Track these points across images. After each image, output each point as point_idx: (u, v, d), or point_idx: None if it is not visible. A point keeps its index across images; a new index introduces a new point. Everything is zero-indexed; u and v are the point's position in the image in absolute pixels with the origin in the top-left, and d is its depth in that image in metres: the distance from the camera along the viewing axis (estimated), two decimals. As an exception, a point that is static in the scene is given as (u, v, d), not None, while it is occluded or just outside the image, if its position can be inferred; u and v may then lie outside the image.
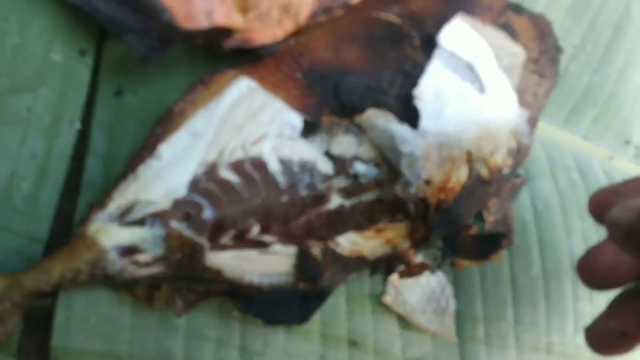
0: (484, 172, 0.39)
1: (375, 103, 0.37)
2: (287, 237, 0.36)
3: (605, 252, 0.31)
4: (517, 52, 0.41)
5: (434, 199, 0.37)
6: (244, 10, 0.36)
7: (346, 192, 0.37)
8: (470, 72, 0.39)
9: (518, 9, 0.43)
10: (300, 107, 0.36)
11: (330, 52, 0.38)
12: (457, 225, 0.39)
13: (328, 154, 0.37)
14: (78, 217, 0.36)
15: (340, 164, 0.37)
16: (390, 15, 0.39)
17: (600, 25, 0.54)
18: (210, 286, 0.35)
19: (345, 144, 0.38)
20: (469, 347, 0.42)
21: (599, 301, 0.46)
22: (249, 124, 0.36)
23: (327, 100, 0.37)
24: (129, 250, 0.33)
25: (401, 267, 0.40)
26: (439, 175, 0.37)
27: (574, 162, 0.50)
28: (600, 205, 0.32)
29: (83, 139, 0.37)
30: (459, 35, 0.39)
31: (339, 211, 0.37)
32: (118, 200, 0.33)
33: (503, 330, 0.43)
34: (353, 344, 0.39)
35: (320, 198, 0.37)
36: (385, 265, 0.40)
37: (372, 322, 0.40)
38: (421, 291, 0.41)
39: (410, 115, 0.37)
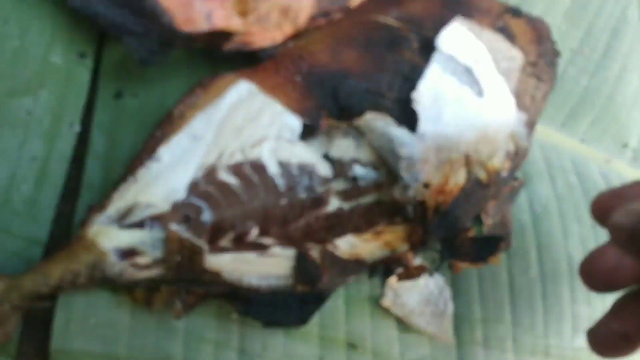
0: (482, 175, 0.39)
1: (374, 106, 0.37)
2: (285, 240, 0.36)
3: (607, 254, 0.31)
4: (515, 56, 0.41)
5: (432, 201, 0.38)
6: (243, 13, 0.36)
7: (345, 195, 0.38)
8: (468, 75, 0.39)
9: (516, 13, 0.43)
10: (299, 110, 0.36)
11: (329, 55, 0.38)
12: (455, 228, 0.39)
13: (327, 157, 0.38)
14: (77, 219, 0.36)
15: (339, 166, 0.38)
16: (389, 19, 0.40)
17: (597, 30, 0.54)
18: (209, 288, 0.35)
19: (344, 147, 0.38)
20: (467, 350, 0.42)
21: (597, 304, 0.46)
22: (248, 127, 0.36)
23: (326, 103, 0.37)
24: (128, 253, 0.33)
25: (399, 270, 0.40)
26: (437, 178, 0.38)
27: (572, 165, 0.50)
28: (603, 208, 0.32)
29: (83, 141, 0.37)
30: (457, 38, 0.39)
31: (338, 214, 0.37)
32: (117, 203, 0.33)
33: (501, 332, 0.43)
34: (351, 346, 0.39)
35: (319, 201, 0.37)
36: (384, 267, 0.40)
37: (370, 324, 0.40)
38: (419, 294, 0.41)
39: (408, 119, 0.37)
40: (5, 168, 0.35)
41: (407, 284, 0.41)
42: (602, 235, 0.48)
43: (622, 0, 0.55)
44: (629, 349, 0.31)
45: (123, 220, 0.33)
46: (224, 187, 0.35)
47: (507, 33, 0.42)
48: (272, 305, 0.36)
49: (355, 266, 0.38)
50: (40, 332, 0.35)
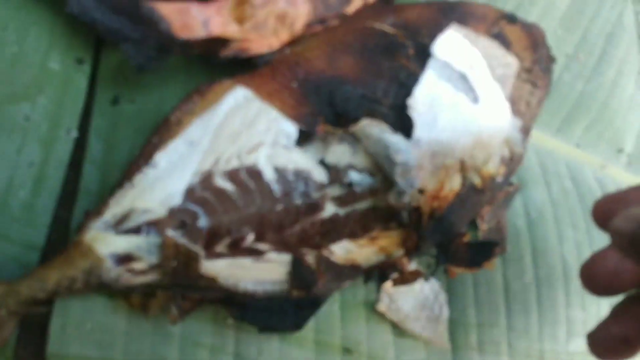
0: (477, 180, 0.39)
1: (370, 112, 0.37)
2: (281, 245, 0.36)
3: (608, 258, 0.31)
4: (510, 62, 0.41)
5: (427, 207, 0.38)
6: (240, 20, 0.36)
7: (340, 201, 0.38)
8: (463, 82, 0.39)
9: (512, 19, 0.44)
10: (295, 116, 0.37)
11: (325, 62, 0.38)
12: (450, 233, 0.39)
13: (323, 163, 0.38)
14: (74, 224, 0.36)
15: (335, 172, 0.38)
16: (385, 26, 0.40)
17: (593, 35, 0.54)
18: (205, 294, 0.35)
19: (339, 153, 0.38)
20: (462, 354, 0.43)
21: (591, 308, 0.47)
22: (244, 133, 0.36)
23: (322, 110, 0.37)
24: (124, 258, 0.33)
25: (395, 275, 0.41)
26: (433, 184, 0.38)
27: (567, 170, 0.51)
28: (604, 213, 0.32)
29: (80, 146, 0.38)
30: (452, 45, 0.39)
31: (333, 220, 0.37)
32: (114, 209, 0.34)
33: (496, 337, 0.44)
34: (347, 351, 0.40)
35: (315, 207, 0.37)
36: (379, 273, 0.41)
37: (365, 329, 0.41)
38: (415, 298, 0.42)
39: (404, 125, 0.37)
40: (2, 173, 0.35)
41: (403, 288, 0.41)
42: (597, 240, 0.48)
43: (617, 5, 0.56)
44: (629, 352, 0.31)
45: (119, 225, 0.34)
46: (220, 192, 0.35)
47: (502, 39, 0.42)
48: (268, 311, 0.36)
49: (350, 271, 0.38)
50: (37, 337, 0.35)
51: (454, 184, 0.39)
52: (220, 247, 0.35)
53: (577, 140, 0.53)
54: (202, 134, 0.35)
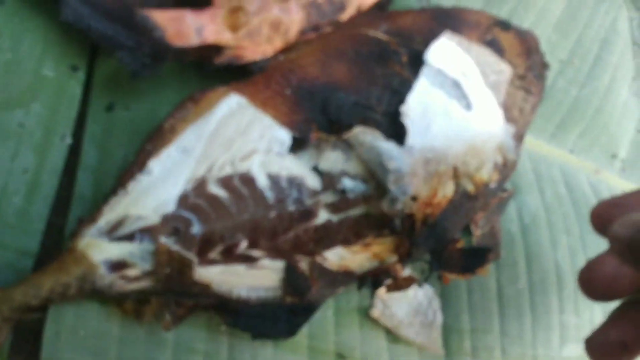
0: (469, 187, 0.39)
1: (363, 119, 0.37)
2: (275, 252, 0.36)
3: (606, 263, 0.31)
4: (503, 69, 0.41)
5: (420, 214, 0.38)
6: (234, 27, 0.36)
7: (334, 208, 0.38)
8: (456, 89, 0.39)
9: (505, 26, 0.44)
10: (289, 123, 0.37)
11: (319, 69, 0.38)
12: (443, 239, 0.40)
13: (316, 170, 0.38)
14: (68, 230, 0.36)
15: (328, 179, 0.38)
16: (379, 33, 0.40)
17: (587, 41, 0.54)
18: (198, 300, 0.35)
19: (333, 160, 0.38)
20: (456, 360, 0.43)
21: (585, 314, 0.47)
22: (238, 140, 0.36)
23: (316, 117, 0.37)
24: (118, 265, 0.33)
25: (389, 281, 0.41)
26: (426, 191, 0.38)
27: (561, 176, 0.51)
28: (602, 218, 0.32)
29: (74, 153, 0.38)
30: (445, 53, 0.39)
31: (327, 226, 0.38)
32: (108, 216, 0.34)
33: (489, 343, 0.44)
34: (340, 357, 0.40)
35: (308, 213, 0.37)
36: (373, 279, 0.41)
37: (359, 335, 0.41)
38: (408, 304, 0.42)
39: (397, 132, 0.38)
40: (-4, 180, 0.35)
41: (397, 294, 0.41)
42: (590, 246, 0.49)
43: (611, 11, 0.56)
44: (626, 357, 0.31)
45: (113, 232, 0.34)
46: (213, 199, 0.35)
47: (495, 46, 0.42)
48: (261, 317, 0.36)
49: (344, 278, 0.38)
50: (31, 343, 0.35)
51: (447, 190, 0.39)
52: (214, 254, 0.35)
53: (571, 145, 0.53)
54: (196, 141, 0.35)
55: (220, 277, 0.35)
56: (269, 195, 0.36)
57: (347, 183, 0.38)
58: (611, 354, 0.32)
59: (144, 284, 0.34)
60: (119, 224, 0.34)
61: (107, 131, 0.38)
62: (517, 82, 0.43)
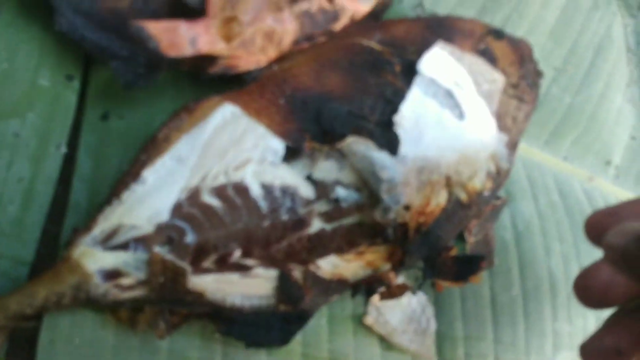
0: (462, 196, 0.40)
1: (356, 129, 0.38)
2: (268, 261, 0.36)
3: (601, 271, 0.31)
4: (496, 78, 0.42)
5: (414, 222, 0.38)
6: (228, 38, 0.36)
7: (327, 216, 0.38)
8: (449, 98, 0.40)
9: (498, 34, 0.44)
10: (282, 133, 0.37)
11: (312, 79, 0.38)
12: (437, 247, 0.40)
13: (310, 179, 0.38)
14: (63, 239, 0.36)
15: (322, 188, 0.38)
16: (372, 42, 0.40)
17: (581, 48, 0.55)
18: (192, 309, 0.36)
19: (326, 169, 0.38)
20: (449, 367, 0.43)
21: (578, 321, 0.47)
22: (232, 150, 0.36)
23: (309, 126, 0.37)
24: (112, 274, 0.34)
25: (382, 289, 0.41)
26: (419, 200, 0.38)
27: (555, 183, 0.51)
28: (596, 228, 0.32)
29: (69, 162, 0.38)
30: (438, 63, 0.40)
31: (320, 235, 0.38)
32: (102, 225, 0.34)
33: (483, 350, 0.44)
34: (334, 364, 0.40)
35: (301, 222, 0.37)
36: (367, 287, 0.41)
37: (353, 342, 0.41)
38: (402, 312, 0.42)
39: (390, 141, 0.38)
40: (-8, 189, 0.36)
41: (390, 302, 0.42)
42: (584, 253, 0.49)
43: (606, 18, 0.56)
44: None
45: (107, 241, 0.34)
46: (207, 209, 0.35)
47: (488, 55, 0.42)
48: (255, 325, 0.36)
49: (337, 286, 0.38)
50: (26, 351, 0.35)
51: (440, 199, 0.39)
52: (208, 263, 0.35)
53: (565, 152, 0.53)
54: (190, 151, 0.36)
55: (214, 285, 0.35)
56: (263, 204, 0.36)
57: (341, 192, 0.38)
58: None
59: (138, 292, 0.34)
60: (113, 233, 0.34)
61: (102, 140, 0.38)
62: (510, 90, 0.43)
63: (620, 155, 0.55)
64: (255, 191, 0.36)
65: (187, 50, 0.35)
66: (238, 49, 0.37)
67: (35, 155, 0.37)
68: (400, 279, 0.42)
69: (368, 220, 0.39)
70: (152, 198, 0.35)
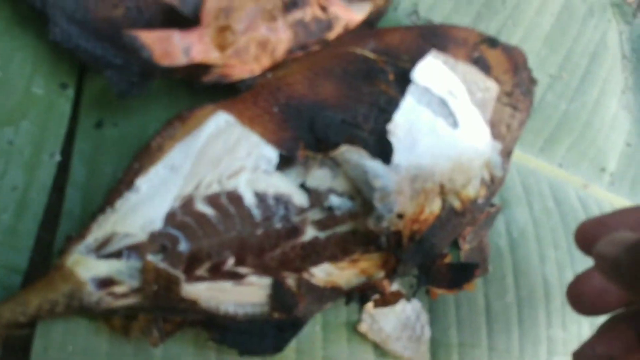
0: (456, 204, 0.40)
1: (350, 137, 0.38)
2: (262, 269, 0.37)
3: (594, 278, 0.31)
4: (490, 87, 0.42)
5: (407, 230, 0.38)
6: (221, 47, 0.37)
7: (321, 225, 0.38)
8: (442, 107, 0.40)
9: (492, 43, 0.44)
10: (276, 141, 0.37)
11: (306, 87, 0.39)
12: (431, 255, 0.40)
13: (303, 187, 0.38)
14: (57, 247, 0.36)
15: (316, 196, 0.38)
16: (366, 51, 0.40)
17: (576, 55, 0.55)
18: (186, 316, 0.36)
19: (320, 177, 0.39)
20: (444, 374, 0.43)
21: (572, 328, 0.47)
22: (225, 158, 0.36)
23: (303, 134, 0.38)
24: (105, 282, 0.34)
25: (376, 296, 0.41)
26: (412, 208, 0.38)
27: (550, 190, 0.51)
28: (586, 237, 0.32)
29: (63, 170, 0.38)
30: (432, 71, 0.40)
31: (313, 243, 0.38)
32: (96, 233, 0.34)
33: (477, 357, 0.44)
34: (327, 372, 0.40)
35: (295, 231, 0.37)
36: (361, 294, 0.41)
37: (347, 350, 0.41)
38: (396, 319, 0.42)
39: (384, 150, 0.38)
40: (-14, 197, 0.36)
41: (385, 309, 0.42)
42: (578, 260, 0.49)
43: (601, 25, 0.56)
44: None
45: (101, 250, 0.34)
46: (200, 217, 0.35)
47: (482, 64, 0.43)
48: (248, 333, 0.36)
49: (331, 294, 0.38)
50: (19, 359, 0.35)
51: (434, 207, 0.39)
52: (201, 271, 0.35)
53: (559, 159, 0.53)
54: (183, 159, 0.36)
55: (208, 293, 0.35)
56: (256, 212, 0.37)
57: (334, 200, 0.38)
58: None
59: (131, 300, 0.34)
60: (106, 241, 0.34)
61: (96, 148, 0.38)
62: (504, 98, 0.43)
63: (616, 162, 0.55)
64: (249, 199, 0.36)
65: (180, 60, 0.36)
66: (232, 58, 0.37)
67: (29, 163, 0.37)
68: (394, 286, 0.42)
69: (362, 228, 0.39)
70: (146, 206, 0.35)
